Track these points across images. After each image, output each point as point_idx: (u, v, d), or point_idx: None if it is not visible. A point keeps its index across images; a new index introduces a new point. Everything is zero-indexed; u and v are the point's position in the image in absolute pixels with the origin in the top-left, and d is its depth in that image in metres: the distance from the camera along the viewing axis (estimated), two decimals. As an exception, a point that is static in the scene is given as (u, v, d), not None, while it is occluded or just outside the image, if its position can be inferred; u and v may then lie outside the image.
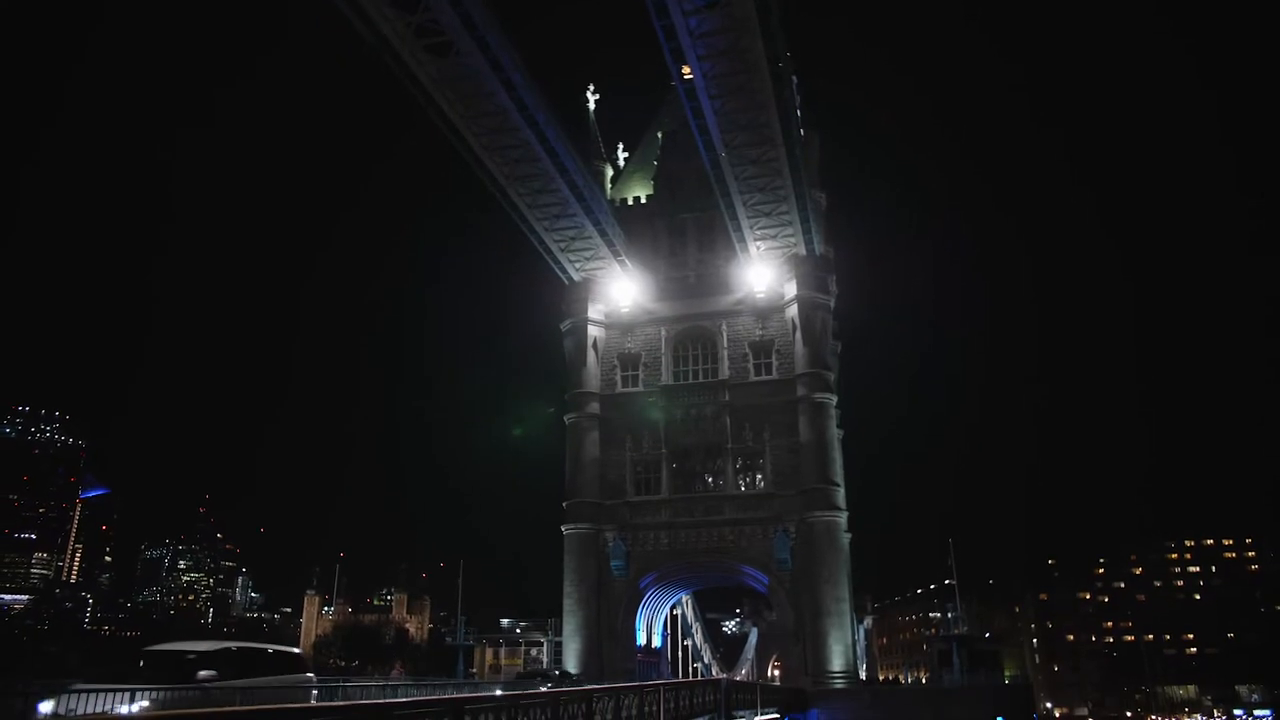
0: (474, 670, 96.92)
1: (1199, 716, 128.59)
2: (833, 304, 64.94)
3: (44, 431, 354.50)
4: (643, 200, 69.99)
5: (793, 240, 61.93)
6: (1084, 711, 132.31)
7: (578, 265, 65.93)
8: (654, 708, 25.29)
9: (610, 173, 73.10)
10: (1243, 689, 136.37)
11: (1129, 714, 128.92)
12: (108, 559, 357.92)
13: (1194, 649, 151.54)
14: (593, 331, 66.01)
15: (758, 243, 62.18)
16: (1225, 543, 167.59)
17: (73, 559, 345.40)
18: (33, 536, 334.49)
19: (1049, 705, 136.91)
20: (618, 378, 65.84)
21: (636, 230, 67.85)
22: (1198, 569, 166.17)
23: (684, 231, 68.54)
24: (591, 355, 65.66)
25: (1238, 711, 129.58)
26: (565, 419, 65.23)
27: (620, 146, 76.56)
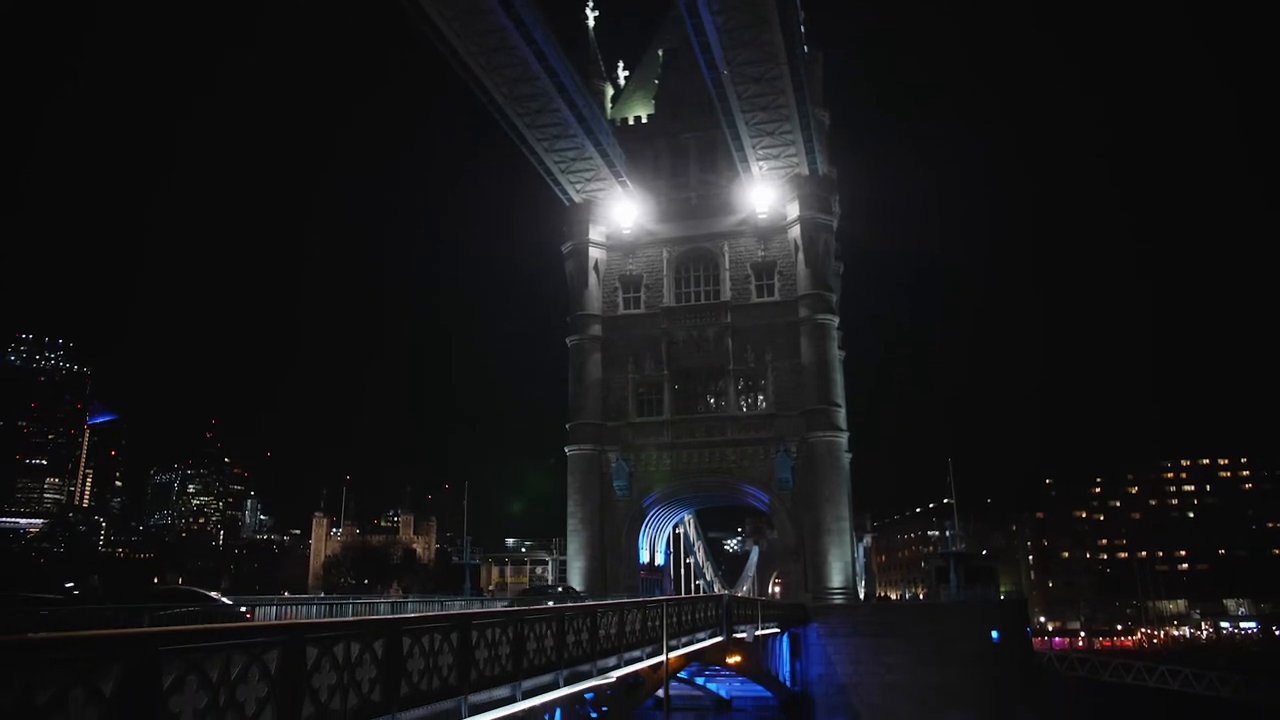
0: (491, 588, 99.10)
1: (1187, 629, 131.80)
2: (835, 225, 64.39)
3: (49, 359, 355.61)
4: (644, 120, 68.79)
5: (795, 160, 61.05)
6: (1076, 625, 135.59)
7: (578, 187, 65.19)
8: (657, 622, 25.89)
9: (610, 92, 71.66)
10: (1230, 602, 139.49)
11: (1119, 627, 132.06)
12: (118, 484, 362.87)
13: (1185, 565, 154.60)
14: (594, 254, 65.61)
15: (760, 163, 61.31)
16: (1221, 462, 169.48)
17: (84, 484, 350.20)
18: (43, 462, 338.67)
19: (1043, 619, 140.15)
20: (619, 300, 65.70)
21: (637, 151, 66.86)
22: (1192, 488, 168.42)
23: (686, 152, 67.53)
24: (593, 277, 65.40)
25: (1224, 624, 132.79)
26: (567, 341, 65.32)
27: (620, 65, 74.89)
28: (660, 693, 26.66)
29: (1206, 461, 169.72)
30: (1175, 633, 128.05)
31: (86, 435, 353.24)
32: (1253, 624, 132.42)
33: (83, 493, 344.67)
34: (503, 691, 15.66)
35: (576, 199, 66.09)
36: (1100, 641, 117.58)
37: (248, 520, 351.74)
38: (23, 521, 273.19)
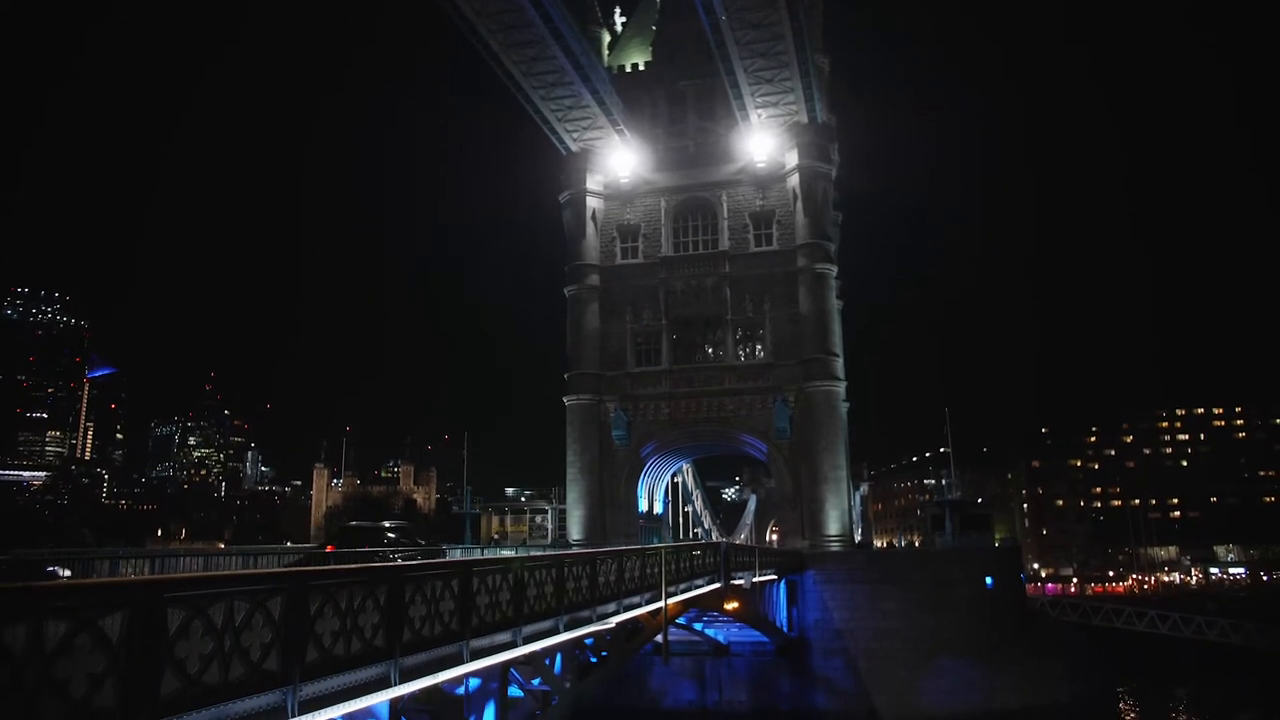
0: (496, 534, 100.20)
1: (1177, 575, 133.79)
2: (834, 173, 63.86)
3: (45, 312, 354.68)
4: (641, 67, 67.78)
5: (794, 108, 60.31)
6: (1069, 572, 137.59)
7: (575, 135, 64.49)
8: (655, 569, 26.22)
9: (607, 38, 70.51)
10: (1220, 549, 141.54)
11: (1111, 573, 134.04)
12: (119, 436, 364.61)
13: (1177, 513, 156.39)
14: (591, 203, 65.15)
15: (759, 110, 60.57)
16: (1216, 411, 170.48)
17: (85, 437, 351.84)
18: (44, 416, 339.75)
19: (1036, 566, 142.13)
20: (617, 249, 65.40)
21: (635, 98, 66.00)
22: (1186, 437, 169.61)
23: (683, 99, 66.67)
24: (590, 227, 65.03)
25: (1214, 570, 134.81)
26: (565, 291, 65.16)
27: (617, 11, 73.57)
28: (659, 638, 27.11)
29: (1201, 411, 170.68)
30: (1166, 578, 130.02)
31: (86, 388, 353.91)
32: (1241, 570, 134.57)
33: (84, 446, 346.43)
34: (504, 637, 15.92)
35: (573, 148, 65.43)
36: (1092, 587, 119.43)
37: (249, 472, 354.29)
38: (26, 474, 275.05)
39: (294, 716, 9.93)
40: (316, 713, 10.47)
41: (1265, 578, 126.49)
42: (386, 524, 30.70)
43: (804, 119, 61.07)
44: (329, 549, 27.12)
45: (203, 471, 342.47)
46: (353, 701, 11.28)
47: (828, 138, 63.32)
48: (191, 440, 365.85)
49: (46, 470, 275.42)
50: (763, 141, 62.38)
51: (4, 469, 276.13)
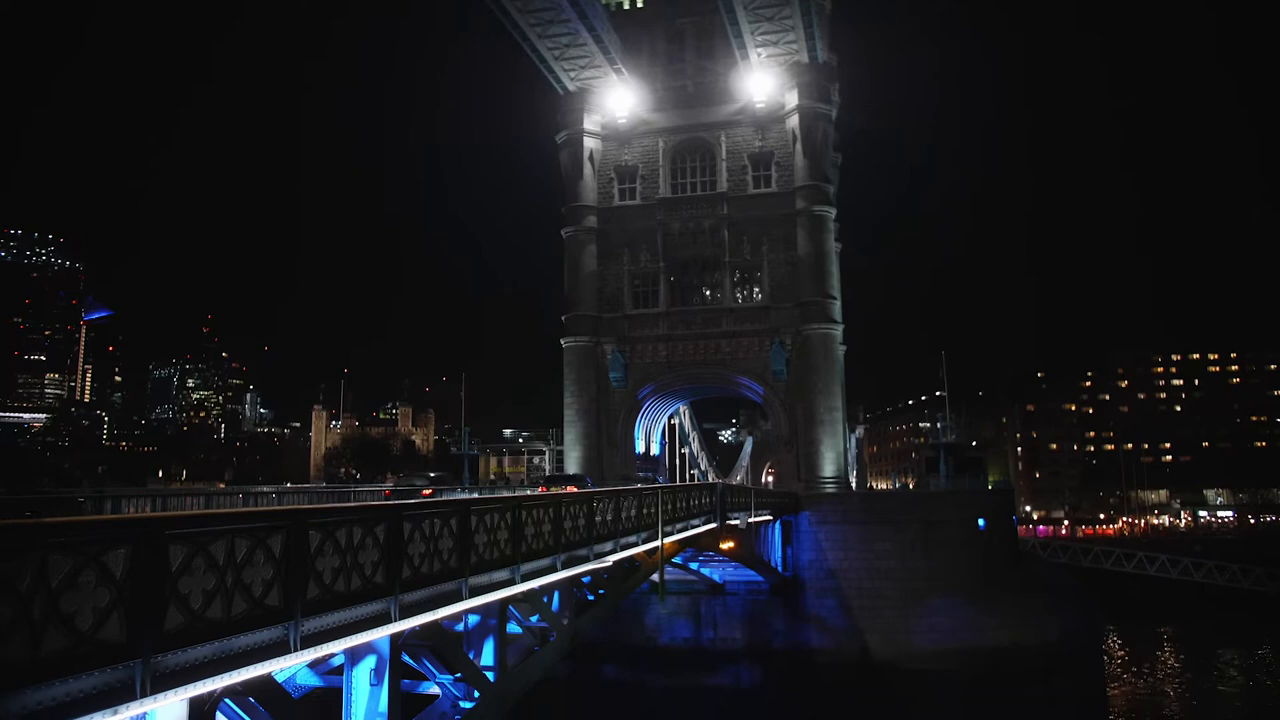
0: (495, 475, 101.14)
1: (1167, 518, 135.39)
2: (834, 115, 62.97)
3: (40, 254, 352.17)
4: (639, 4, 66.33)
5: (794, 47, 59.24)
6: (1061, 514, 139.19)
7: (572, 75, 63.42)
8: (652, 510, 26.50)
9: (604, -27, 68.86)
10: (1209, 492, 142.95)
11: (1102, 516, 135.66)
12: (118, 379, 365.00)
13: (1169, 457, 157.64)
14: (589, 144, 64.37)
15: (758, 49, 59.50)
16: (1211, 357, 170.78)
17: (84, 379, 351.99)
18: (42, 358, 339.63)
19: (1028, 509, 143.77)
20: (615, 191, 64.81)
21: (633, 37, 64.74)
22: (1180, 382, 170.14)
23: (682, 38, 65.43)
24: (588, 168, 64.34)
25: (1202, 513, 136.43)
26: (563, 233, 64.74)
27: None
28: (655, 577, 27.52)
29: (1197, 356, 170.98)
30: (1155, 521, 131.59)
31: (83, 331, 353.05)
32: (1229, 512, 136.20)
33: (83, 388, 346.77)
34: (502, 574, 16.16)
35: (571, 88, 64.40)
36: (1083, 530, 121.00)
37: (248, 414, 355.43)
38: (26, 416, 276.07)
39: (297, 650, 10.14)
40: (318, 647, 10.68)
41: (1253, 520, 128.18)
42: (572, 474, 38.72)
43: (804, 58, 60.03)
44: (541, 490, 29.64)
45: (202, 413, 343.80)
46: (354, 637, 11.50)
47: (828, 78, 62.31)
48: (190, 382, 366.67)
49: (46, 412, 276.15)
50: (762, 81, 61.40)
51: (4, 411, 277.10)
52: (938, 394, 75.89)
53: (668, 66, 65.12)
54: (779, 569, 48.11)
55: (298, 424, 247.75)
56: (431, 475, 29.58)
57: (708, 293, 63.42)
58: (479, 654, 18.04)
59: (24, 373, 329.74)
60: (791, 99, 61.05)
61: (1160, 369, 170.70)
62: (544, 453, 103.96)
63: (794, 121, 61.04)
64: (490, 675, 17.27)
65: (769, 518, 44.61)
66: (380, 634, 12.22)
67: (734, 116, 62.90)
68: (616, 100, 64.00)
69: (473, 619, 17.88)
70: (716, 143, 63.14)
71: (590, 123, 64.39)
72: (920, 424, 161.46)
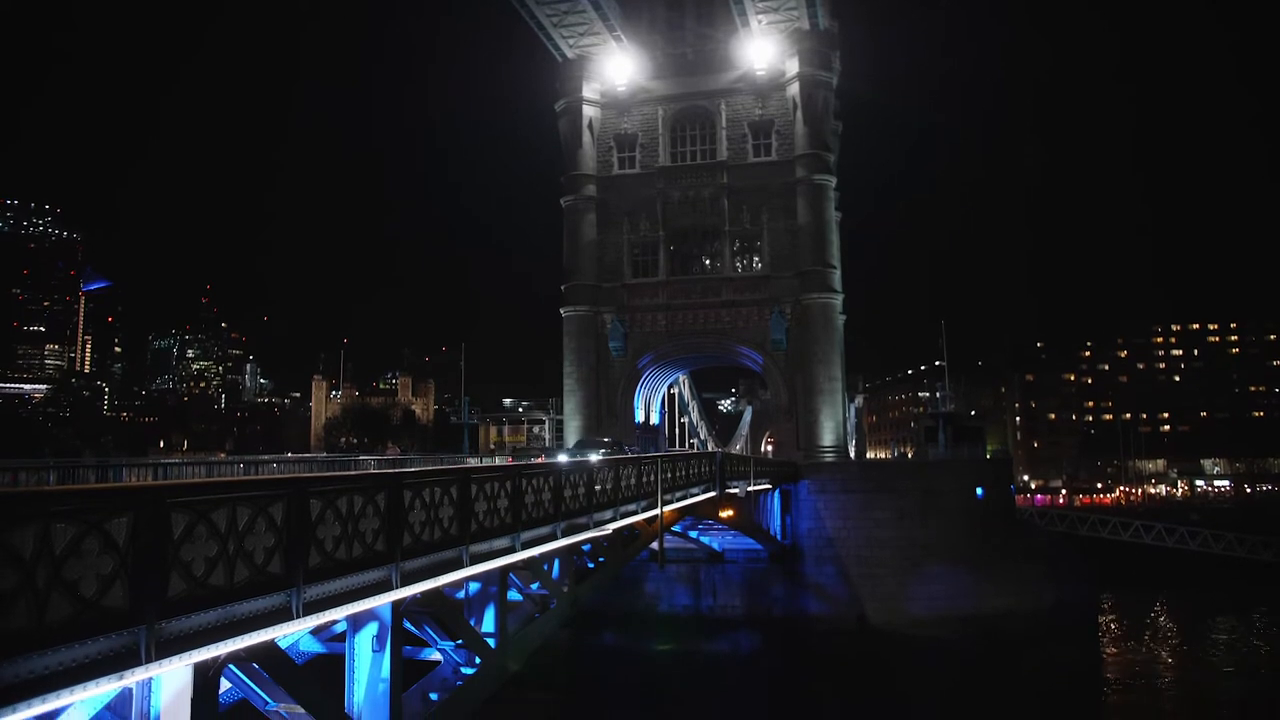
0: (494, 445, 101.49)
1: (1164, 487, 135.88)
2: (835, 83, 62.41)
3: (37, 225, 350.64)
4: (638, -32, 65.51)
5: (795, 13, 58.61)
6: (1058, 483, 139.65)
7: (571, 41, 62.79)
8: (652, 478, 26.63)
9: (603, -63, 67.90)
10: (1207, 462, 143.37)
11: (1100, 485, 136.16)
12: (118, 349, 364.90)
13: (1167, 427, 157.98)
14: (588, 112, 63.87)
15: (759, 15, 58.88)
16: (1211, 327, 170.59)
17: (84, 350, 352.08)
18: (41, 329, 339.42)
19: (1026, 478, 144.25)
20: (614, 159, 64.42)
21: (632, 3, 63.97)
22: (1180, 352, 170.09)
23: (682, 4, 64.67)
24: (587, 136, 63.90)
25: (1199, 482, 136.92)
26: (562, 202, 64.44)
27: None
28: (655, 545, 27.71)
29: (1197, 326, 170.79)
30: (1152, 490, 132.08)
31: (82, 302, 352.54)
32: (1226, 482, 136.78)
33: (83, 359, 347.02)
34: (502, 542, 16.27)
35: (569, 55, 63.79)
36: (1080, 499, 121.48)
37: (248, 384, 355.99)
38: (27, 387, 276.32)
39: (299, 617, 10.23)
40: (321, 614, 10.79)
41: (1250, 490, 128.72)
42: (605, 439, 44.61)
43: (805, 25, 59.41)
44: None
45: (202, 384, 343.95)
46: (355, 604, 11.61)
47: (829, 45, 61.69)
48: (190, 353, 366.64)
49: (47, 383, 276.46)
50: (763, 49, 60.81)
51: (4, 382, 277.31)
52: (937, 363, 76.03)
53: (667, 34, 64.46)
54: (778, 537, 48.45)
55: (298, 394, 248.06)
56: (606, 440, 33.42)
57: (707, 262, 63.26)
58: (480, 621, 18.20)
59: (24, 344, 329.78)
60: (792, 66, 60.50)
61: (1160, 339, 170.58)
62: (544, 422, 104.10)
63: (794, 89, 60.53)
64: (491, 642, 17.44)
65: (768, 486, 44.83)
66: (382, 601, 12.33)
67: (734, 84, 62.37)
68: (616, 68, 63.42)
69: (474, 586, 18.02)
70: (716, 111, 62.65)
71: (589, 91, 63.86)
72: (919, 393, 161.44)
